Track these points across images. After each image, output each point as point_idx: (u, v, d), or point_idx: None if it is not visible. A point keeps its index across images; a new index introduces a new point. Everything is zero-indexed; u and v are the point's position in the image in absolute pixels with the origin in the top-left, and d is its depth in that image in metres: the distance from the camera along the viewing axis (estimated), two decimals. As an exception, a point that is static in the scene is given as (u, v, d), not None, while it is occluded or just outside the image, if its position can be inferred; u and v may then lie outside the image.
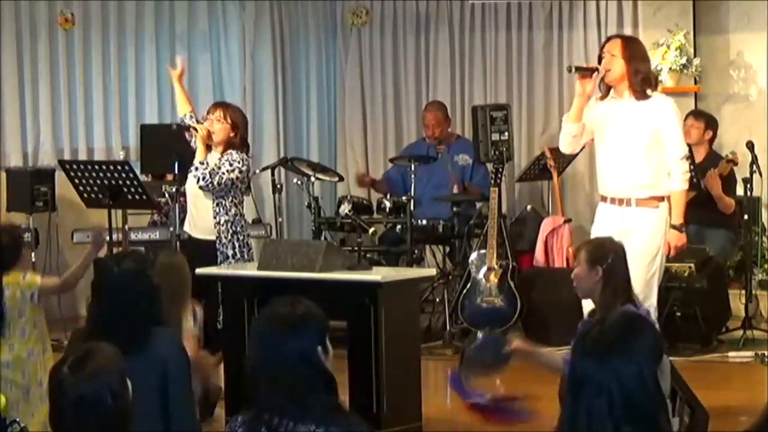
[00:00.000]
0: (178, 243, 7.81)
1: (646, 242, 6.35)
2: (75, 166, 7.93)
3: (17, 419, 5.47)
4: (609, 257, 5.18)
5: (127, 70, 10.11)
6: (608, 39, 6.81)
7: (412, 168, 9.14)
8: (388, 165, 10.37)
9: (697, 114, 9.21)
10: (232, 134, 7.26)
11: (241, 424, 3.47)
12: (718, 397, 6.68)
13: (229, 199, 7.23)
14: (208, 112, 7.37)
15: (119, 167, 7.79)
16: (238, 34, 10.62)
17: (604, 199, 6.57)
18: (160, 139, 8.27)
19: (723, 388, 7.11)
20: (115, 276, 4.58)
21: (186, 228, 7.45)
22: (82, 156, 9.79)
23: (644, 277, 6.30)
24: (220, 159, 7.21)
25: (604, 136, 6.54)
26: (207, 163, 7.16)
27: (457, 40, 10.76)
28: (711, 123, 9.17)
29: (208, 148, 7.29)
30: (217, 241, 7.21)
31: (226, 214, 7.23)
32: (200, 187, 7.15)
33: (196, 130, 7.25)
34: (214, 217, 7.23)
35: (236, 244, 7.22)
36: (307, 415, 3.36)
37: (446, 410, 7.48)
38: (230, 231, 7.22)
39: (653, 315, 6.37)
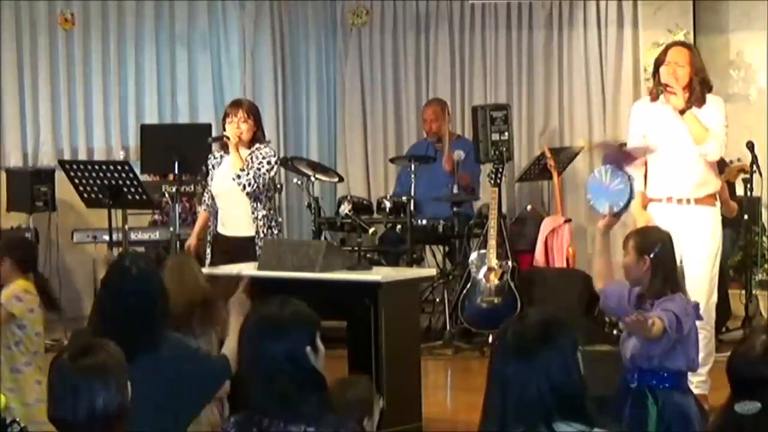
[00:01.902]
0: (178, 243, 7.81)
1: (708, 241, 6.65)
2: (75, 166, 7.93)
3: (17, 419, 5.47)
4: (656, 246, 5.25)
5: (127, 70, 10.11)
6: (671, 45, 6.97)
7: (412, 168, 9.15)
8: (388, 165, 10.38)
9: None
10: (255, 129, 7.43)
11: (233, 425, 3.49)
12: (718, 397, 6.66)
13: (265, 194, 7.37)
14: (226, 115, 7.43)
15: (119, 167, 7.80)
16: (238, 34, 10.62)
17: (660, 200, 6.73)
18: (160, 139, 8.27)
19: (723, 388, 7.10)
20: (135, 275, 4.51)
21: (219, 228, 7.48)
22: (82, 156, 9.80)
23: (709, 276, 6.64)
24: (250, 156, 7.30)
25: (663, 141, 6.70)
26: (247, 168, 7.26)
27: (457, 40, 10.76)
28: None
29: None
30: (256, 237, 7.29)
31: (264, 208, 7.38)
32: (247, 193, 7.26)
33: (229, 139, 7.34)
34: (252, 213, 7.34)
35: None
36: (298, 415, 3.38)
37: (446, 410, 7.48)
38: (267, 225, 7.34)
39: (712, 311, 6.62)
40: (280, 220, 8.87)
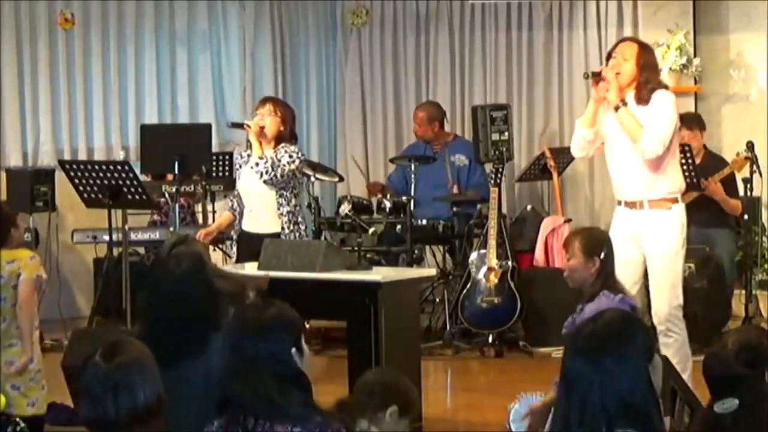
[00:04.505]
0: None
1: (664, 245, 6.37)
2: (75, 166, 7.94)
3: (17, 419, 5.47)
4: (604, 248, 5.25)
5: (127, 70, 10.11)
6: (622, 40, 6.69)
7: (412, 168, 9.15)
8: (388, 165, 10.37)
9: (689, 123, 9.08)
10: (282, 128, 7.32)
11: (218, 429, 3.47)
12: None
13: (290, 191, 7.30)
14: (256, 108, 7.42)
15: (119, 167, 7.80)
16: (238, 34, 10.62)
17: (619, 202, 6.53)
18: (160, 139, 8.27)
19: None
20: (176, 276, 4.43)
21: (244, 226, 7.44)
22: (82, 156, 9.80)
23: (670, 280, 6.38)
24: (275, 152, 7.26)
25: (612, 143, 6.49)
26: (266, 158, 7.20)
27: (457, 40, 10.76)
28: (701, 125, 9.15)
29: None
30: (282, 233, 7.23)
31: (288, 204, 7.29)
32: (264, 182, 7.20)
33: (249, 127, 7.30)
34: (278, 209, 7.28)
35: (297, 236, 7.25)
36: (284, 415, 3.38)
37: (446, 410, 7.48)
38: (292, 221, 7.28)
39: (680, 313, 6.41)
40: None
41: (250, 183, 7.32)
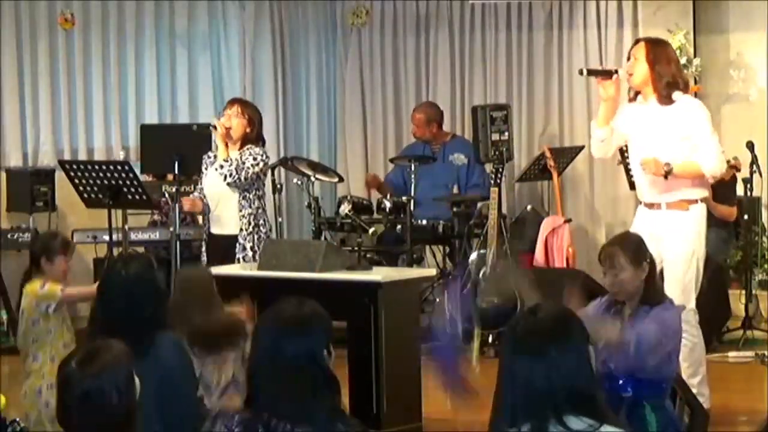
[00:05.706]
0: (177, 242, 7.81)
1: (679, 247, 6.39)
2: (75, 166, 7.93)
3: (17, 419, 5.47)
4: (646, 249, 5.11)
5: (127, 70, 10.11)
6: (636, 42, 6.72)
7: (412, 168, 9.14)
8: (388, 165, 10.37)
9: None
10: (248, 129, 7.39)
11: (238, 423, 3.45)
12: (718, 397, 6.67)
13: (253, 193, 7.37)
14: (224, 109, 7.46)
15: (119, 167, 7.80)
16: (238, 34, 10.62)
17: (640, 202, 6.60)
18: (160, 139, 8.27)
19: (723, 388, 7.12)
20: (123, 279, 4.56)
21: (211, 228, 7.49)
22: (82, 156, 9.79)
23: (682, 281, 6.37)
24: (240, 154, 7.28)
25: (633, 142, 6.54)
26: (231, 160, 7.24)
27: (457, 40, 10.75)
28: None
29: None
30: (240, 234, 7.26)
31: (250, 207, 7.36)
32: (228, 184, 7.25)
33: (215, 128, 7.33)
34: (239, 210, 7.32)
35: (255, 238, 7.28)
36: (307, 419, 3.35)
37: (446, 410, 7.47)
38: (252, 224, 7.33)
39: (693, 319, 6.37)
40: (280, 220, 8.88)
41: (214, 185, 7.41)
